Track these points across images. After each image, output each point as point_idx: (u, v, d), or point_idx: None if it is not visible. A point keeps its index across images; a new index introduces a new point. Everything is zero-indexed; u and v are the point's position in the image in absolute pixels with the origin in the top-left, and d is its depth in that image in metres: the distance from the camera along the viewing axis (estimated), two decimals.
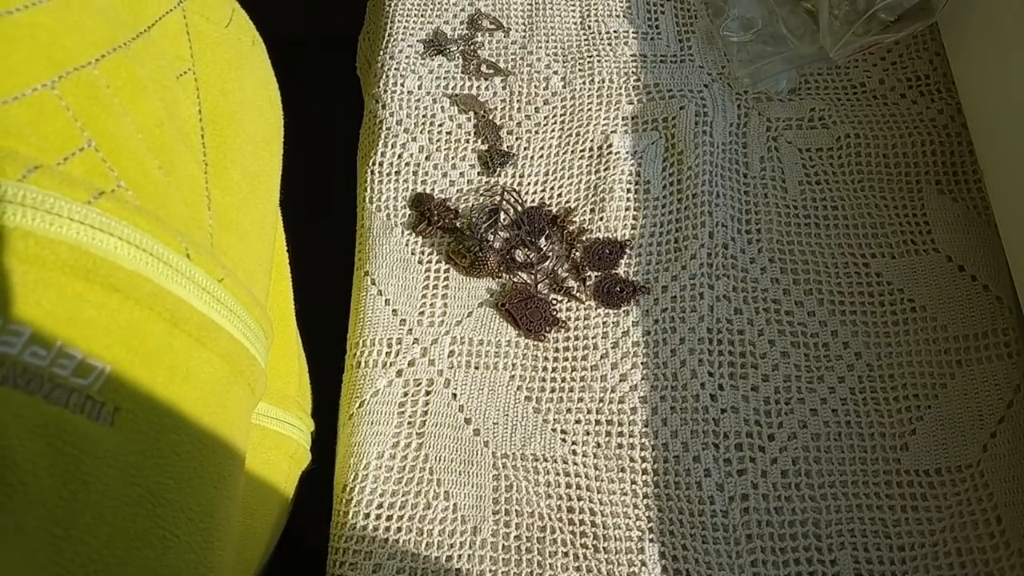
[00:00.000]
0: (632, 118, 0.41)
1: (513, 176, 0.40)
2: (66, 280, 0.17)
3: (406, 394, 0.35)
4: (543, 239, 0.38)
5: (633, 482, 0.33)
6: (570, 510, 0.32)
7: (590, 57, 0.43)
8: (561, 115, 0.41)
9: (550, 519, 0.32)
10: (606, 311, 0.36)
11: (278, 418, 0.30)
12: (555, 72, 0.43)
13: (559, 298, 0.36)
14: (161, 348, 0.19)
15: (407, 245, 0.38)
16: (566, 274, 0.37)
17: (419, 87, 0.42)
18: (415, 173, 0.40)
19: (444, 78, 0.43)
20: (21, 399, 0.16)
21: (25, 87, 0.17)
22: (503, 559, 0.32)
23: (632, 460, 0.33)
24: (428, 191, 0.39)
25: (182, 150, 0.22)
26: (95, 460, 0.17)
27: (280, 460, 0.31)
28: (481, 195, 0.39)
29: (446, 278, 0.37)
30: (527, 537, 0.32)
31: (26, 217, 0.16)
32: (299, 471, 0.33)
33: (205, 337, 0.20)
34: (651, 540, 0.32)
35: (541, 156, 0.40)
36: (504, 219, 0.38)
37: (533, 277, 0.37)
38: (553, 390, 0.35)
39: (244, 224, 0.24)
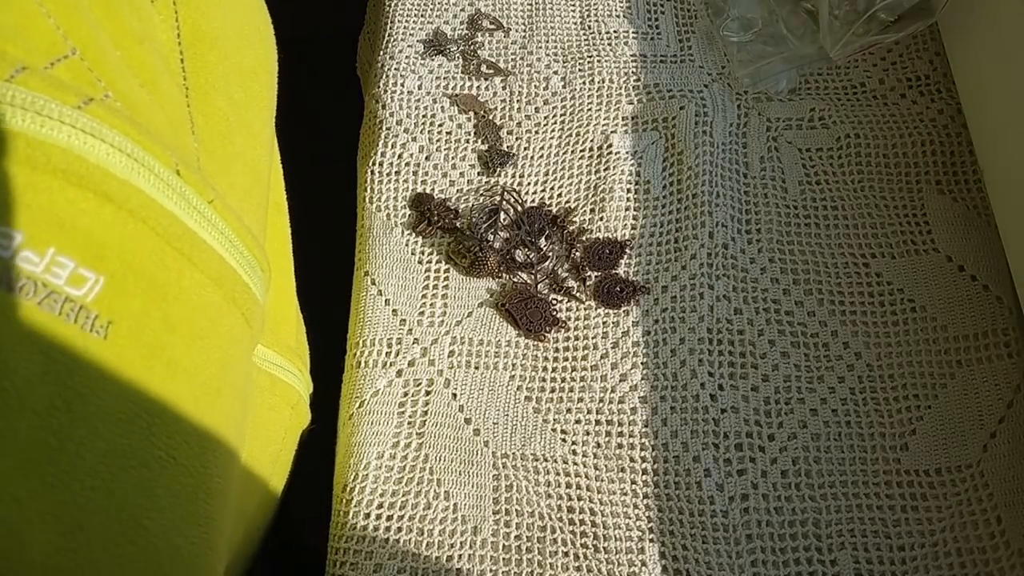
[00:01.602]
0: (632, 118, 0.41)
1: (513, 176, 0.40)
2: (58, 185, 0.16)
3: (406, 394, 0.35)
4: (543, 239, 0.38)
5: (633, 482, 0.33)
6: (570, 510, 0.32)
7: (590, 57, 0.43)
8: (561, 115, 0.41)
9: (550, 519, 0.32)
10: (606, 311, 0.36)
11: (279, 365, 0.30)
12: (555, 72, 0.43)
13: (559, 298, 0.36)
14: (154, 264, 0.18)
15: (407, 245, 0.38)
16: (566, 274, 0.37)
17: (419, 87, 0.42)
18: (415, 173, 0.40)
19: (444, 78, 0.43)
20: (16, 303, 0.15)
21: None
22: (503, 559, 0.32)
23: (632, 460, 0.33)
24: (428, 191, 0.39)
25: (162, 71, 0.21)
26: (89, 372, 0.17)
27: (281, 407, 0.30)
28: (481, 195, 0.39)
29: (446, 278, 0.37)
30: (527, 537, 0.32)
31: (15, 118, 0.16)
32: (299, 427, 0.33)
33: (196, 257, 0.20)
34: (651, 540, 0.32)
35: (541, 156, 0.40)
36: (504, 219, 0.38)
37: (533, 277, 0.37)
38: (553, 390, 0.35)
39: (230, 152, 0.24)
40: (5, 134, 0.16)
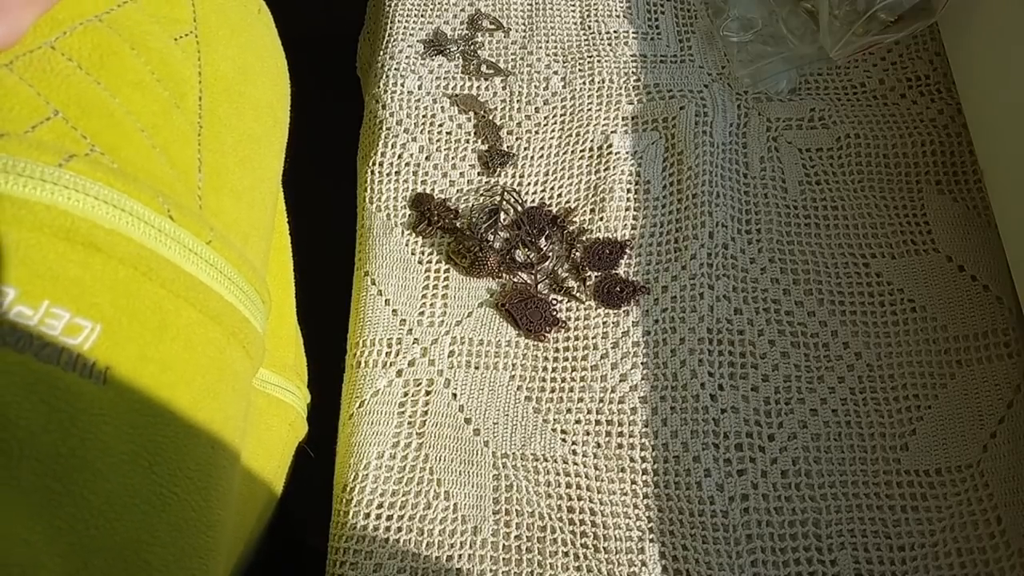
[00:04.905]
0: (632, 118, 0.41)
1: (513, 176, 0.40)
2: (47, 241, 0.17)
3: (406, 394, 0.35)
4: (543, 239, 0.38)
5: (633, 482, 0.33)
6: (570, 510, 0.32)
7: (590, 57, 0.43)
8: (561, 115, 0.41)
9: (550, 519, 0.32)
10: (606, 311, 0.36)
11: (278, 385, 0.30)
12: (555, 72, 0.43)
13: (559, 298, 0.36)
14: (149, 307, 0.19)
15: (407, 245, 0.38)
16: (566, 274, 0.37)
17: (419, 87, 0.42)
18: (415, 173, 0.40)
19: (444, 78, 0.43)
20: (11, 356, 0.16)
21: None
22: (503, 559, 0.32)
23: (632, 460, 0.33)
24: (428, 191, 0.39)
25: (171, 111, 0.21)
26: (91, 417, 0.17)
27: (279, 426, 0.31)
28: (481, 195, 0.39)
29: (446, 278, 0.37)
30: (527, 537, 0.32)
31: None
32: (296, 441, 0.33)
33: (194, 298, 0.20)
34: (651, 540, 0.32)
35: (541, 156, 0.40)
36: (504, 219, 0.38)
37: (533, 277, 0.37)
38: (553, 390, 0.35)
39: (239, 187, 0.24)
40: None
